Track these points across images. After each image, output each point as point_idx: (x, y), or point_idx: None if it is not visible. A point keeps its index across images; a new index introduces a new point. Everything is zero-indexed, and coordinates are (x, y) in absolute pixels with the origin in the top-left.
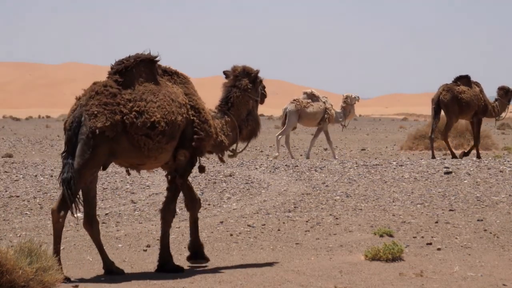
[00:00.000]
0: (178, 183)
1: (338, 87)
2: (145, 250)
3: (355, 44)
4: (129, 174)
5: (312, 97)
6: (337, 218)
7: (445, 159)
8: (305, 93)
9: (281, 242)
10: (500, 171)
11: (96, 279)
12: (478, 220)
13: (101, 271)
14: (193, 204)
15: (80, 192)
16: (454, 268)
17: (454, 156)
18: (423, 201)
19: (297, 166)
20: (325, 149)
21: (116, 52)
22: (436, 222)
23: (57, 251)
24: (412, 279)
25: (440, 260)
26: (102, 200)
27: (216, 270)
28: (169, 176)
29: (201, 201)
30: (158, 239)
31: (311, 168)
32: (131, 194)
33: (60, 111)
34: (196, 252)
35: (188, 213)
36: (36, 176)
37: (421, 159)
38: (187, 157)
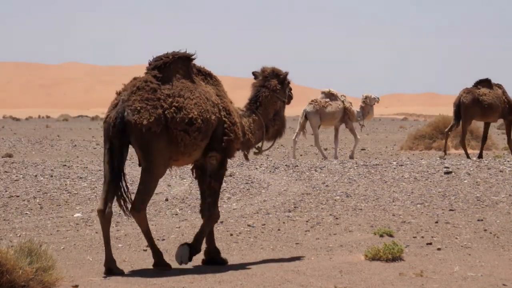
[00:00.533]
0: (215, 187)
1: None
2: (145, 250)
3: (355, 44)
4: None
5: (330, 96)
6: (337, 218)
7: (445, 159)
8: (323, 92)
9: (281, 242)
10: (500, 171)
11: (96, 279)
12: (478, 220)
13: (101, 271)
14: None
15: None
16: (454, 268)
17: (468, 157)
18: (423, 201)
19: (297, 166)
20: (325, 149)
21: (116, 52)
22: (436, 222)
23: (109, 251)
24: (412, 279)
25: (440, 260)
26: None
27: (216, 270)
28: (192, 170)
29: None
30: (157, 239)
31: (311, 168)
32: (131, 194)
33: (60, 111)
34: (213, 258)
35: (202, 219)
36: (36, 176)
37: (421, 159)
38: (218, 160)
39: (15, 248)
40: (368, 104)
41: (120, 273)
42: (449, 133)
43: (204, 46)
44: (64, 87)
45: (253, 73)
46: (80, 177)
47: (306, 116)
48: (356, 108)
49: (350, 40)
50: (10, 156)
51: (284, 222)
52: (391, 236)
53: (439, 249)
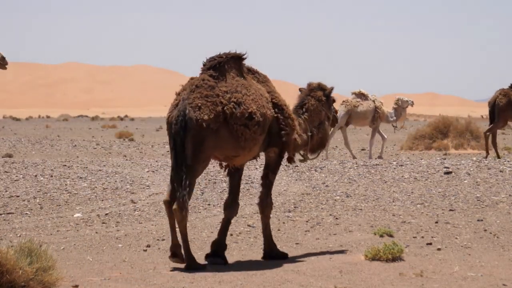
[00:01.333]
0: (271, 179)
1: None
2: (145, 250)
3: (355, 44)
4: (221, 167)
5: (361, 96)
6: (337, 218)
7: (445, 159)
8: (353, 93)
9: (281, 242)
10: (500, 171)
11: (96, 279)
12: (478, 220)
13: (101, 271)
14: (233, 206)
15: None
16: (454, 268)
17: (499, 157)
18: (423, 201)
19: (297, 166)
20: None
21: (116, 52)
22: (436, 222)
23: (187, 248)
24: (412, 279)
25: (440, 260)
26: (102, 200)
27: (216, 270)
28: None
29: (201, 201)
30: (157, 239)
31: (311, 168)
32: (131, 194)
33: (60, 111)
34: (217, 251)
35: (224, 213)
36: (36, 176)
37: (421, 159)
38: (277, 153)
39: (15, 248)
40: (400, 106)
41: (181, 259)
42: (487, 134)
43: (205, 46)
44: (64, 87)
45: (300, 89)
46: (80, 177)
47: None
48: (388, 109)
49: (350, 40)
50: (10, 156)
51: (284, 222)
52: (391, 236)
53: (439, 249)
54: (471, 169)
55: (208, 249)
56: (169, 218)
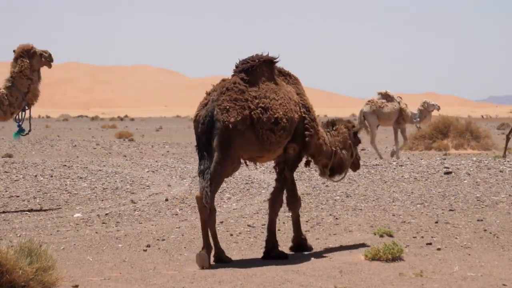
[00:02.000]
0: (287, 175)
1: (338, 88)
2: (145, 250)
3: (355, 44)
4: (247, 165)
5: (387, 97)
6: (337, 218)
7: (445, 159)
8: (379, 93)
9: (281, 242)
10: (500, 171)
11: (96, 279)
12: (478, 220)
13: (101, 271)
14: (294, 203)
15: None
16: (454, 268)
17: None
18: (423, 201)
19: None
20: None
21: (116, 52)
22: (436, 222)
23: (208, 245)
24: (412, 279)
25: (440, 260)
26: (102, 200)
27: (216, 270)
28: (277, 168)
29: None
30: (157, 239)
31: (311, 168)
32: (131, 194)
33: (60, 111)
34: (299, 243)
35: (290, 211)
36: (36, 176)
37: (421, 159)
38: (296, 151)
39: (15, 248)
40: (425, 108)
41: (228, 260)
42: (510, 136)
43: (205, 46)
44: (64, 87)
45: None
46: (80, 177)
47: (364, 116)
48: (412, 110)
49: (350, 40)
50: (10, 156)
51: (284, 222)
52: (391, 236)
53: (439, 249)
54: (471, 169)
55: None
56: (200, 214)
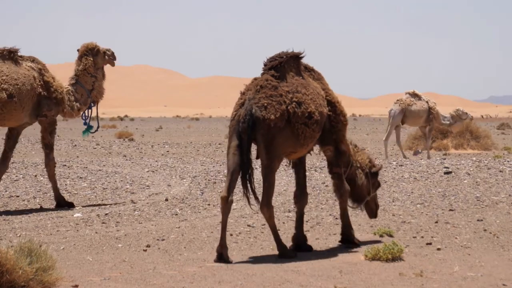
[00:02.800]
0: (337, 171)
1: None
2: (145, 250)
3: (355, 44)
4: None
5: (415, 96)
6: (337, 218)
7: (445, 159)
8: (407, 93)
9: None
10: (500, 171)
11: (96, 279)
12: (478, 220)
13: (101, 271)
14: (302, 197)
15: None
16: (454, 268)
17: None
18: (423, 201)
19: None
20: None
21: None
22: (436, 222)
23: (277, 238)
24: (412, 279)
25: (440, 260)
26: (102, 200)
27: (216, 270)
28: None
29: (201, 201)
30: (157, 239)
31: (311, 168)
32: (131, 194)
33: None
34: (299, 244)
35: (296, 206)
36: (36, 176)
37: (421, 159)
38: (332, 151)
39: (15, 248)
40: (458, 116)
41: (229, 261)
42: None
43: (205, 46)
44: None
45: None
46: (80, 177)
47: (392, 115)
48: (443, 113)
49: (350, 40)
50: None
51: (284, 222)
52: (391, 236)
53: (439, 249)
54: (471, 169)
55: (208, 249)
56: (222, 215)
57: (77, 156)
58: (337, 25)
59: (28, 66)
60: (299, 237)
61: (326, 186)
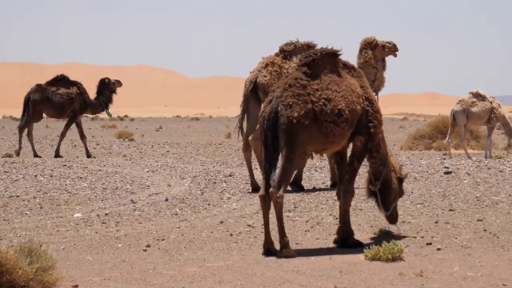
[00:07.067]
0: (355, 166)
1: None
2: (145, 250)
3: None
4: (312, 158)
5: (478, 96)
6: (337, 218)
7: (444, 159)
8: (470, 92)
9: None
10: (500, 171)
11: (96, 279)
12: (478, 220)
13: (101, 271)
14: (347, 192)
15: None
16: (454, 268)
17: None
18: (423, 201)
19: None
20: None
21: (116, 52)
22: (436, 222)
23: (268, 232)
24: (412, 279)
25: (440, 260)
26: (102, 200)
27: (216, 270)
28: (339, 160)
29: (201, 201)
30: (157, 239)
31: (311, 168)
32: (131, 194)
33: None
34: (345, 239)
35: (339, 201)
36: (36, 176)
37: (421, 159)
38: (363, 143)
39: (15, 248)
40: None
41: (277, 254)
42: None
43: (205, 46)
44: None
45: None
46: (80, 177)
47: (454, 115)
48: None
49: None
50: (10, 156)
51: (284, 222)
52: (391, 236)
53: (439, 249)
54: (471, 169)
55: (208, 249)
56: (263, 213)
57: (77, 156)
58: (337, 25)
59: None
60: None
61: (326, 186)
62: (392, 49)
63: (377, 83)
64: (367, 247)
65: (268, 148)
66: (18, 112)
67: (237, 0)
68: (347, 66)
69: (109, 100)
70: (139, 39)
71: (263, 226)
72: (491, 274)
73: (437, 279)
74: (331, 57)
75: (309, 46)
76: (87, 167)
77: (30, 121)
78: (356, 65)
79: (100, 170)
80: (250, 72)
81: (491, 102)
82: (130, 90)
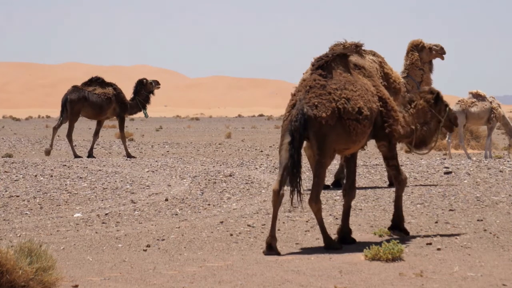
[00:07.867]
0: (394, 163)
1: None
2: (145, 250)
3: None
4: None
5: (478, 96)
6: (337, 218)
7: (444, 159)
8: (470, 93)
9: (281, 242)
10: (500, 171)
11: (96, 279)
12: (478, 220)
13: (101, 271)
14: (351, 191)
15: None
16: (454, 268)
17: None
18: (423, 201)
19: None
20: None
21: (116, 52)
22: (436, 222)
23: (324, 231)
24: (412, 279)
25: (440, 260)
26: (102, 200)
27: (216, 270)
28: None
29: (201, 201)
30: (157, 239)
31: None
32: (131, 194)
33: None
34: (344, 236)
35: (344, 199)
36: (36, 176)
37: (421, 159)
38: (386, 146)
39: (15, 248)
40: None
41: (277, 253)
42: None
43: (205, 46)
44: (64, 87)
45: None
46: (80, 177)
47: None
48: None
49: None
50: (10, 156)
51: (284, 222)
52: (391, 236)
53: (439, 249)
54: (471, 169)
55: (208, 249)
56: (273, 207)
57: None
58: (337, 25)
59: (371, 59)
60: (344, 230)
61: (326, 186)
62: (439, 52)
63: (424, 84)
64: (367, 247)
65: (294, 149)
66: (18, 112)
67: (238, 0)
68: (357, 66)
69: (146, 101)
70: (139, 39)
71: (263, 226)
72: (491, 274)
73: (437, 279)
74: (342, 58)
75: (357, 46)
76: (87, 167)
77: (70, 123)
78: (402, 67)
79: (100, 170)
80: (303, 74)
81: (491, 102)
82: (130, 90)
